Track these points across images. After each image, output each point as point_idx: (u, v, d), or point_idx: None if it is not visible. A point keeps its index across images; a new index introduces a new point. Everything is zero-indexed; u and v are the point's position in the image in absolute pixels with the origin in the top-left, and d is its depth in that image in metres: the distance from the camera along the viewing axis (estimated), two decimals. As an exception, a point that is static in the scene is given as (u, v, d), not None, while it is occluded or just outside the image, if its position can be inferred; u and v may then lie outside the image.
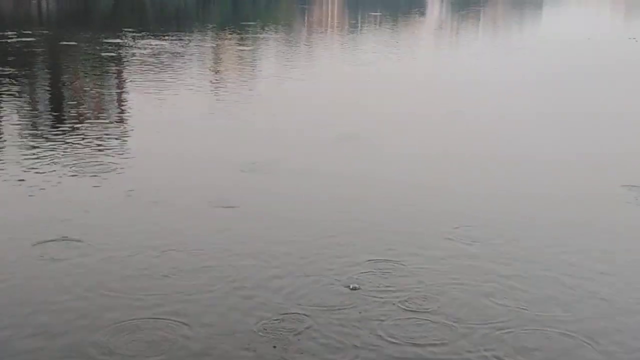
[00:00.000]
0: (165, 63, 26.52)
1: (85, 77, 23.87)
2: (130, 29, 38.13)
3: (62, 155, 13.91)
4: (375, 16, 58.68)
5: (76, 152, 14.20)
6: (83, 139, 15.17)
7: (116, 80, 23.48)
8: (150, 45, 31.43)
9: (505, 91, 23.42)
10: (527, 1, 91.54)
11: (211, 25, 46.63)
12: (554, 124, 18.45)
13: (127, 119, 17.57)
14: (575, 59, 31.92)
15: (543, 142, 16.40)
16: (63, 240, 9.82)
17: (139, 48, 30.27)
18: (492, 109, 20.20)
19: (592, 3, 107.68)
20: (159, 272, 8.95)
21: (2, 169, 12.97)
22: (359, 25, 50.39)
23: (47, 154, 13.91)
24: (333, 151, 15.11)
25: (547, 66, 29.34)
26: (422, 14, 68.89)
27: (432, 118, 18.87)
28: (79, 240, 9.80)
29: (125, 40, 32.66)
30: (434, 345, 7.50)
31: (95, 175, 12.78)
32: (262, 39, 37.73)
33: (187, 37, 35.90)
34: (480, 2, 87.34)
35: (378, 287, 8.73)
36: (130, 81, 22.58)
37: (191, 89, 21.23)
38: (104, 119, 17.33)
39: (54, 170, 12.89)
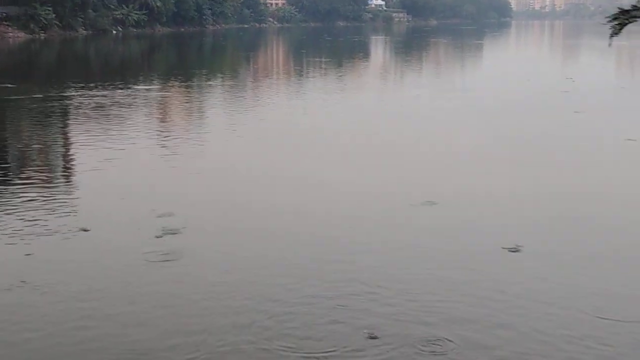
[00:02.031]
0: (110, 115, 26.51)
1: (29, 132, 23.74)
2: (75, 81, 38.06)
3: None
4: (320, 62, 59.51)
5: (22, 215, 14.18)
6: (29, 200, 15.13)
7: (61, 136, 23.39)
8: (96, 96, 31.42)
9: (442, 133, 23.94)
10: (468, 43, 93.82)
11: (157, 74, 46.76)
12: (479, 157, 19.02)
13: (72, 181, 17.52)
14: (514, 101, 32.75)
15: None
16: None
17: (85, 100, 30.23)
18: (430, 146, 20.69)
19: (531, 43, 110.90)
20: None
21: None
22: (304, 71, 51.03)
23: (-9, 213, 13.86)
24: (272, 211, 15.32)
25: (486, 108, 30.10)
26: (366, 58, 70.08)
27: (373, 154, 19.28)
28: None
29: (71, 93, 32.59)
30: None
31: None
32: (207, 88, 37.97)
33: (133, 87, 35.95)
34: (422, 45, 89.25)
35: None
36: (76, 135, 22.52)
37: (135, 144, 21.05)
38: (51, 181, 17.17)
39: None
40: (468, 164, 18.96)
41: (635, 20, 6.11)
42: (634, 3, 6.45)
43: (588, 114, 28.21)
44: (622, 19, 6.15)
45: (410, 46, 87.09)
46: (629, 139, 22.31)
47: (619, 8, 6.19)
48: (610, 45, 6.53)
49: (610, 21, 6.27)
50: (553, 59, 73.77)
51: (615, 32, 6.18)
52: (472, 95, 35.52)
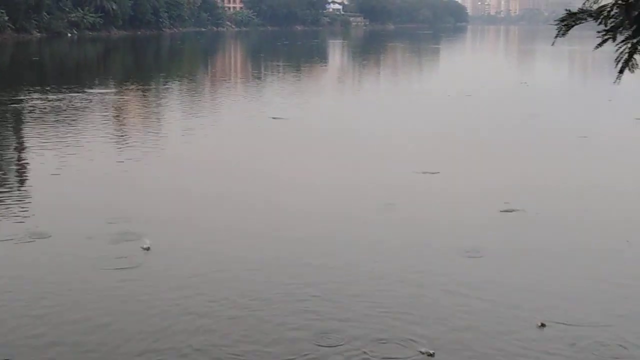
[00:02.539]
0: (66, 119, 26.18)
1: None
2: (29, 84, 37.52)
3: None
4: (278, 66, 59.55)
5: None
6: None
7: (15, 140, 23.05)
8: (51, 100, 31.00)
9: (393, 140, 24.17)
10: (425, 47, 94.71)
11: (113, 78, 46.32)
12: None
13: (26, 186, 17.30)
14: (470, 104, 33.14)
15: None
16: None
17: (40, 103, 29.81)
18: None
19: (487, 48, 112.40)
20: None
21: None
22: (262, 75, 51.02)
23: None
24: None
25: (443, 113, 30.41)
26: (324, 62, 70.31)
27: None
28: None
29: (25, 97, 32.11)
30: None
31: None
32: (165, 91, 37.77)
33: (88, 91, 35.57)
34: (380, 49, 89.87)
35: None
36: (30, 140, 22.20)
37: (91, 149, 20.81)
38: (3, 186, 16.89)
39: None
40: (426, 164, 19.12)
41: (581, 23, 6.28)
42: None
43: (542, 116, 28.69)
44: (569, 21, 6.33)
45: (368, 50, 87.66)
46: (582, 136, 23.03)
47: (566, 10, 6.36)
48: (553, 44, 6.70)
49: (558, 24, 6.45)
50: (508, 63, 74.83)
51: (562, 34, 6.34)
52: (429, 98, 35.88)
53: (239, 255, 12.19)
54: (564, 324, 9.73)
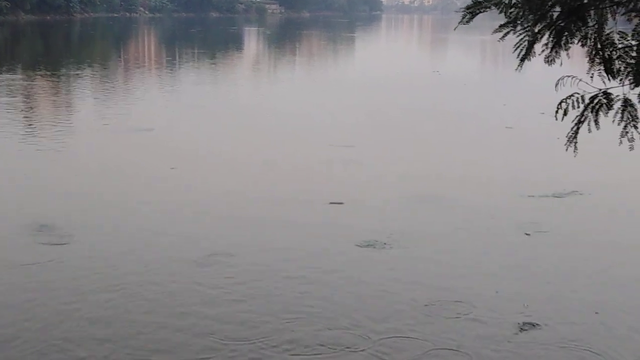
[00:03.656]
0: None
1: None
2: None
3: None
4: (193, 53, 58.88)
5: None
6: None
7: None
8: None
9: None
10: (340, 36, 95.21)
11: (21, 65, 44.90)
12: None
13: None
14: (384, 91, 33.57)
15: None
16: None
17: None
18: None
19: (401, 36, 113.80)
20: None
21: None
22: (177, 62, 50.36)
23: None
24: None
25: (358, 101, 30.72)
26: (240, 49, 69.88)
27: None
28: None
29: None
30: None
31: None
32: (75, 78, 36.86)
33: (-5, 78, 34.41)
34: (296, 36, 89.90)
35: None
36: None
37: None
38: None
39: None
40: (334, 149, 19.27)
41: (486, 11, 6.48)
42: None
43: (449, 103, 29.33)
44: (473, 9, 6.52)
45: (284, 38, 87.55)
46: (508, 127, 23.64)
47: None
48: (455, 29, 6.88)
49: (464, 11, 6.64)
50: (421, 52, 76.01)
51: (466, 21, 6.53)
52: (344, 86, 36.16)
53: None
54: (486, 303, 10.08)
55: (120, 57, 55.96)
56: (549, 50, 6.73)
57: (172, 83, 36.80)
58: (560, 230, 13.49)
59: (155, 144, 20.32)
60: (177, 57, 55.49)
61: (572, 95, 6.66)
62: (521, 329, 9.42)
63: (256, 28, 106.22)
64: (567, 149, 6.88)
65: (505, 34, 6.74)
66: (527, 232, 13.13)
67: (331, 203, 14.00)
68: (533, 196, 15.45)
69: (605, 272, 11.59)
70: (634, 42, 6.55)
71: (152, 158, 18.53)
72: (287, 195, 15.27)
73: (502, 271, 11.46)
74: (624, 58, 6.57)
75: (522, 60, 6.69)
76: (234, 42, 78.71)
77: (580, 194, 15.71)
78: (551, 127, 7.14)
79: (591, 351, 8.98)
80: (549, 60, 6.78)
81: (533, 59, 6.93)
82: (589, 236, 13.34)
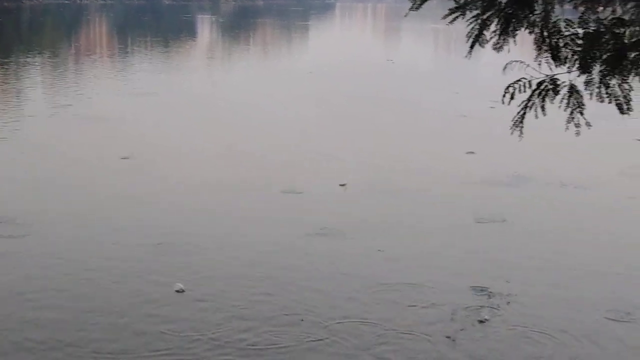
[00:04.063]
0: None
1: None
2: None
3: None
4: (146, 41, 58.19)
5: None
6: None
7: None
8: None
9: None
10: (295, 24, 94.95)
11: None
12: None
13: None
14: (339, 83, 33.60)
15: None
16: None
17: None
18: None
19: (355, 25, 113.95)
20: None
21: None
22: (129, 50, 49.71)
23: None
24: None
25: (312, 90, 30.71)
26: (193, 37, 69.23)
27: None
28: None
29: None
30: None
31: None
32: (25, 66, 36.16)
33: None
34: (250, 24, 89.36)
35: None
36: None
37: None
38: None
39: None
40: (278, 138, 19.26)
41: (435, -2, 6.55)
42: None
43: (410, 94, 29.49)
44: (423, -5, 6.58)
45: (238, 26, 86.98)
46: (463, 115, 23.88)
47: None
48: (406, 15, 6.93)
49: (416, -2, 6.67)
50: (375, 41, 76.21)
51: (416, 7, 6.58)
52: (297, 75, 36.10)
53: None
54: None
55: (71, 44, 55.02)
56: (497, 37, 6.81)
57: (124, 71, 36.36)
58: (517, 218, 13.69)
59: (107, 132, 20.09)
60: (129, 45, 54.77)
61: (519, 80, 6.75)
62: (476, 317, 9.54)
63: (209, 16, 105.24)
64: (512, 134, 6.97)
65: (455, 19, 6.79)
66: (482, 221, 13.31)
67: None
68: (488, 184, 15.67)
69: (557, 259, 11.82)
70: (580, 30, 6.67)
71: (104, 147, 18.32)
72: (240, 184, 15.24)
73: (458, 258, 11.61)
74: (570, 45, 6.68)
75: (472, 46, 6.77)
76: (187, 30, 77.95)
77: (537, 182, 15.96)
78: (506, 115, 7.23)
79: (545, 333, 9.16)
80: (497, 47, 6.86)
81: (486, 47, 7.00)
82: (545, 225, 13.56)
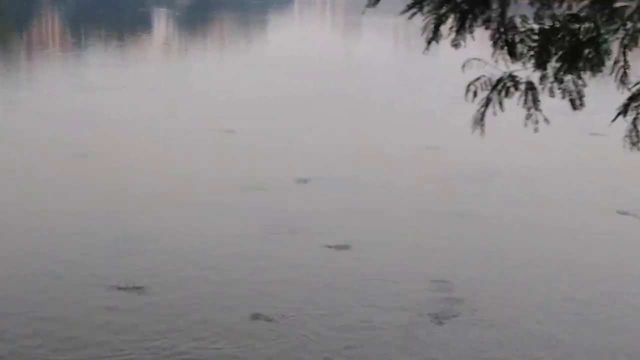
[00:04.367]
0: None
1: None
2: None
3: None
4: (100, 35, 57.37)
5: None
6: None
7: None
8: None
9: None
10: (254, 19, 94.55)
11: None
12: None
13: None
14: (300, 78, 33.48)
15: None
16: None
17: None
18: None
19: (315, 19, 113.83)
20: None
21: None
22: (83, 45, 48.93)
23: None
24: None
25: (271, 85, 30.54)
26: (149, 31, 68.47)
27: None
28: None
29: None
30: None
31: None
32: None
33: None
34: (208, 18, 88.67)
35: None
36: None
37: None
38: None
39: None
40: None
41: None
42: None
43: (371, 89, 29.49)
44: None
45: (194, 20, 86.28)
46: (424, 110, 23.93)
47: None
48: (364, 13, 6.89)
49: (374, -6, 6.60)
50: (335, 35, 76.22)
51: (372, 3, 6.51)
52: (255, 69, 35.89)
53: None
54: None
55: (22, 39, 54.01)
56: (454, 33, 6.76)
57: (77, 66, 35.77)
58: (476, 211, 13.76)
59: (60, 128, 19.74)
60: (83, 40, 53.95)
61: (479, 78, 6.72)
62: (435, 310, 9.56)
63: (166, 9, 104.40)
64: (473, 132, 6.94)
65: (413, 14, 6.73)
66: (442, 213, 13.35)
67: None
68: (453, 180, 15.74)
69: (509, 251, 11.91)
70: (535, 26, 6.66)
71: (57, 143, 18.00)
72: (198, 178, 15.09)
73: (418, 250, 11.62)
74: (525, 41, 6.66)
75: (429, 43, 6.71)
76: (143, 24, 77.09)
77: (502, 177, 16.08)
78: (467, 111, 7.19)
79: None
80: (455, 44, 6.82)
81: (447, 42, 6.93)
82: (508, 218, 13.66)
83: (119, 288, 9.70)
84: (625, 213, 14.14)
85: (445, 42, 6.86)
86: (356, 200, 14.12)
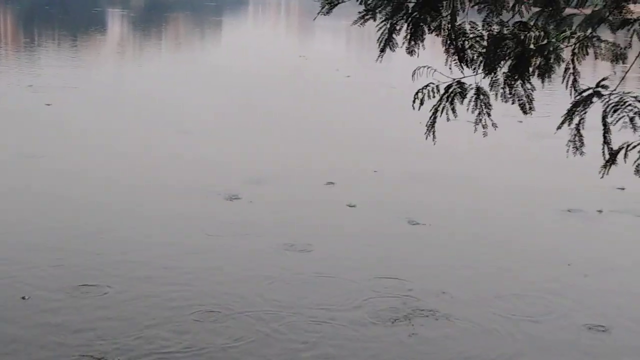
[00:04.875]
0: None
1: None
2: None
3: None
4: (53, 34, 56.59)
5: None
6: None
7: None
8: None
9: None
10: (208, 19, 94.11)
11: None
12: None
13: None
14: (250, 76, 33.45)
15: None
16: None
17: None
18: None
19: (268, 21, 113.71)
20: None
21: None
22: (35, 45, 48.17)
23: None
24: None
25: (222, 82, 30.48)
26: (103, 32, 67.72)
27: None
28: None
29: None
30: None
31: None
32: None
33: None
34: (162, 19, 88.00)
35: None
36: None
37: None
38: None
39: None
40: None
41: (344, 1, 6.56)
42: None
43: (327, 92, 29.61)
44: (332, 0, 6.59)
45: (149, 20, 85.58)
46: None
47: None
48: (315, 19, 6.99)
49: (322, 1, 6.69)
50: (288, 37, 76.25)
51: (325, 12, 6.59)
52: (206, 72, 35.76)
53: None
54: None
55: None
56: (407, 41, 6.87)
57: (30, 66, 35.22)
58: (422, 214, 13.96)
59: (9, 128, 19.47)
60: (35, 39, 53.13)
61: (427, 85, 6.85)
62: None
63: (120, 10, 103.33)
64: (426, 138, 7.06)
65: (365, 21, 6.83)
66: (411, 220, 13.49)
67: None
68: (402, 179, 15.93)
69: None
70: (484, 32, 6.81)
71: (7, 144, 17.77)
72: (148, 183, 15.02)
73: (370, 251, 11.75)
74: (475, 47, 6.81)
75: (382, 50, 6.82)
76: (96, 24, 76.19)
77: (439, 179, 16.33)
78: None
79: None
80: (410, 51, 6.93)
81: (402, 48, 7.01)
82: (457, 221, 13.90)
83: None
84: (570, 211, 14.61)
85: (402, 48, 6.95)
86: (300, 202, 14.23)
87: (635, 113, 6.27)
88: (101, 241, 11.62)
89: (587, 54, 6.53)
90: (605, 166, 6.45)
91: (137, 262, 10.95)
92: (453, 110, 6.99)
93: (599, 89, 6.44)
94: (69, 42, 50.17)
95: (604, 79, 6.46)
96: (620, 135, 6.41)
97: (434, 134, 6.97)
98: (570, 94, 6.77)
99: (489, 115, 7.08)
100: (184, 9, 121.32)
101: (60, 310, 9.31)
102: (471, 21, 6.91)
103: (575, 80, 6.68)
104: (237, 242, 12.00)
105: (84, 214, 13.03)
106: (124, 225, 12.54)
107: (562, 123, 6.59)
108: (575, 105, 6.55)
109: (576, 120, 6.51)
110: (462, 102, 7.06)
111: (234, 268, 10.95)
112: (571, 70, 6.66)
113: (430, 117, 6.91)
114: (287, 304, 9.78)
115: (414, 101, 6.83)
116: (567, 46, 6.59)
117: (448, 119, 6.99)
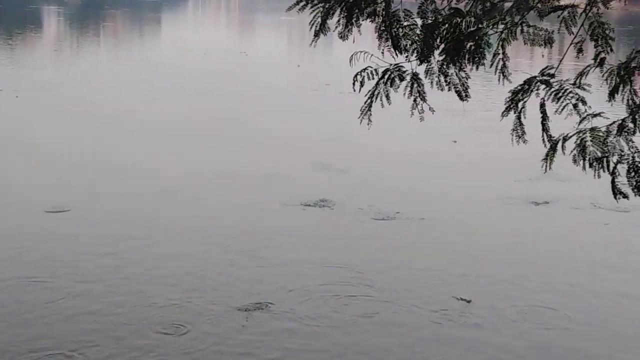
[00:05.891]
0: None
1: None
2: None
3: None
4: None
5: None
6: None
7: None
8: None
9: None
10: (147, 16, 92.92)
11: None
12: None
13: None
14: (191, 73, 33.15)
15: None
16: None
17: None
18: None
19: (209, 17, 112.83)
20: None
21: None
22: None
23: None
24: None
25: (162, 81, 30.14)
26: (39, 29, 66.31)
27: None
28: None
29: None
30: None
31: None
32: None
33: None
34: (100, 16, 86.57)
35: None
36: None
37: None
38: None
39: None
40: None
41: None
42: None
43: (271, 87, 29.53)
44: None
45: (86, 18, 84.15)
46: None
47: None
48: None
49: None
50: (229, 33, 75.79)
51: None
52: (148, 69, 35.35)
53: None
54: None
55: None
56: (342, 27, 6.87)
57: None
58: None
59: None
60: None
61: (366, 69, 6.84)
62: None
63: (56, 7, 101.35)
64: (360, 123, 7.05)
65: (302, 8, 6.81)
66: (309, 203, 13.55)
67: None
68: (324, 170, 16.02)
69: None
70: (418, 20, 6.86)
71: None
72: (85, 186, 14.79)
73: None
74: (409, 35, 6.85)
75: (316, 36, 6.81)
76: (32, 22, 74.55)
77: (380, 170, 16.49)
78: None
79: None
80: (342, 37, 6.92)
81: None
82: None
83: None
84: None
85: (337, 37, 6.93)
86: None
87: (577, 100, 6.35)
88: None
89: (516, 38, 6.62)
90: (545, 159, 6.36)
91: None
92: (387, 96, 6.97)
93: (545, 77, 6.48)
94: (1, 40, 48.97)
95: (548, 68, 6.54)
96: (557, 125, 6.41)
97: (369, 118, 6.96)
98: (499, 80, 6.83)
99: (424, 100, 7.09)
100: (122, 5, 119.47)
101: None
102: (405, 9, 6.93)
103: (504, 66, 6.76)
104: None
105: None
106: None
107: (506, 110, 6.62)
108: (515, 93, 6.59)
109: (519, 107, 6.55)
110: (397, 90, 7.07)
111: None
112: (500, 55, 6.74)
113: (366, 102, 6.91)
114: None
115: (353, 83, 6.82)
116: (496, 32, 6.66)
117: (382, 106, 6.96)
